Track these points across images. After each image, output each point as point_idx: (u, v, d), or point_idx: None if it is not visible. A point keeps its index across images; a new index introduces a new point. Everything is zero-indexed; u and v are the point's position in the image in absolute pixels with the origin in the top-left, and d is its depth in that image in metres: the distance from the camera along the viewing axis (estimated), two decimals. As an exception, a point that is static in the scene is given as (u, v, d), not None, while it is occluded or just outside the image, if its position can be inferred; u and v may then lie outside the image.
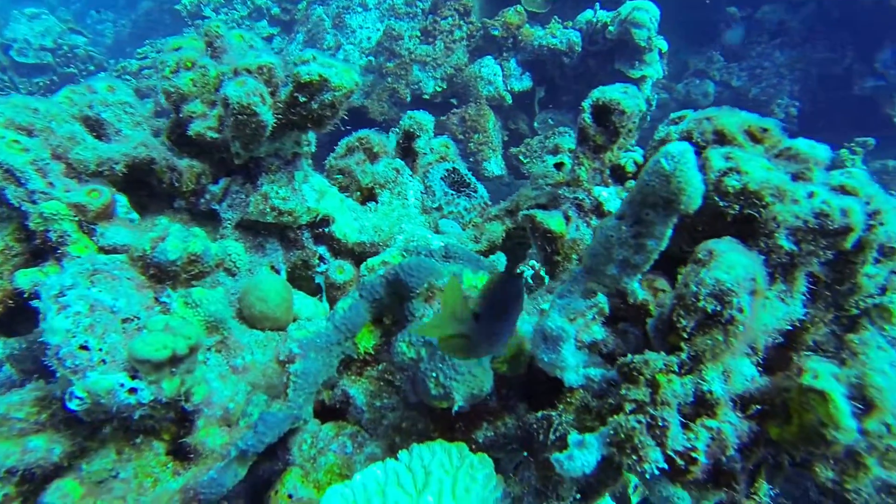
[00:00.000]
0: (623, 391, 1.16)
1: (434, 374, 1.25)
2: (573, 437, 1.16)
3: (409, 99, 5.92)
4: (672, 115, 2.15)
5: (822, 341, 1.47)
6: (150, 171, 1.91)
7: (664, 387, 1.12)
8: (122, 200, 1.99)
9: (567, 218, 2.10)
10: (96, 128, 1.91)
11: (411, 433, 1.55)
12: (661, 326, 1.25)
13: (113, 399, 1.25)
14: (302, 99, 1.84)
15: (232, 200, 2.13)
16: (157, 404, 1.33)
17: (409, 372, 1.34)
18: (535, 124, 6.65)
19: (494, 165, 6.22)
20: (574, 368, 1.30)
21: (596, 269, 1.22)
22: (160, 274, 1.53)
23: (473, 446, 1.49)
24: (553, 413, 1.31)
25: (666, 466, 1.07)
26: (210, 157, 2.13)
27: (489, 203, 2.62)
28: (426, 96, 6.10)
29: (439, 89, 6.16)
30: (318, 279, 2.54)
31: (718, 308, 1.13)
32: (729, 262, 1.14)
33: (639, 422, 1.07)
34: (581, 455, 1.09)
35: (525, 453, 1.43)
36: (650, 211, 1.09)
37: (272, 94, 1.84)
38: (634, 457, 1.04)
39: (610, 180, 2.19)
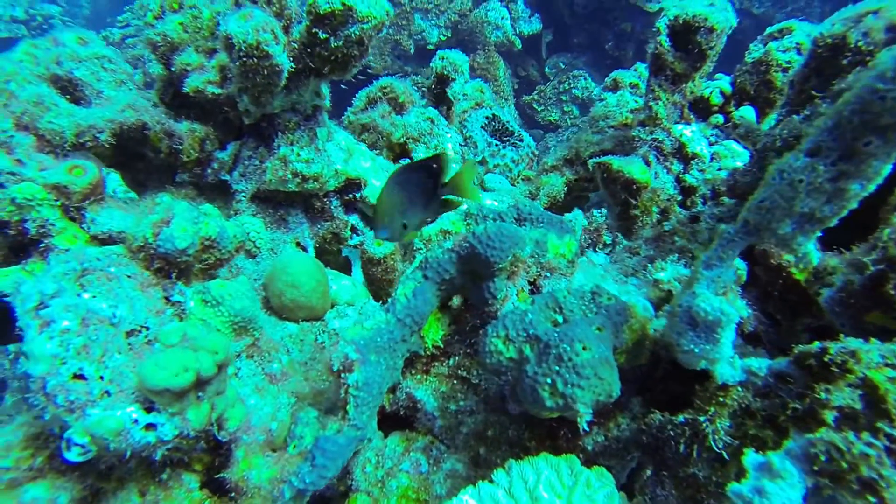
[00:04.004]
0: (821, 394, 0.84)
1: (549, 381, 0.94)
2: (751, 457, 0.85)
3: (412, 51, 5.52)
4: (769, 30, 1.79)
5: None
6: (144, 139, 1.55)
7: (887, 389, 0.81)
8: (115, 178, 1.65)
9: (647, 163, 1.75)
10: (70, 89, 1.54)
11: (500, 443, 1.25)
12: (853, 300, 0.92)
13: (125, 441, 0.94)
14: (322, 35, 1.47)
15: (244, 168, 1.79)
16: (185, 439, 1.02)
17: (508, 376, 1.02)
18: (547, 69, 6.23)
19: (507, 116, 5.84)
20: (729, 360, 0.98)
21: (765, 228, 0.89)
22: (168, 267, 1.20)
23: (581, 455, 1.19)
24: (701, 417, 1.00)
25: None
26: (213, 118, 1.77)
27: (537, 153, 2.27)
28: (430, 46, 5.68)
29: (444, 38, 5.74)
30: (345, 251, 2.21)
31: (957, 271, 0.81)
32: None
33: (871, 445, 0.75)
34: (778, 490, 0.78)
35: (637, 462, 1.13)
36: (873, 138, 0.75)
37: (285, 30, 1.47)
38: (873, 498, 0.73)
39: (692, 116, 1.84)
